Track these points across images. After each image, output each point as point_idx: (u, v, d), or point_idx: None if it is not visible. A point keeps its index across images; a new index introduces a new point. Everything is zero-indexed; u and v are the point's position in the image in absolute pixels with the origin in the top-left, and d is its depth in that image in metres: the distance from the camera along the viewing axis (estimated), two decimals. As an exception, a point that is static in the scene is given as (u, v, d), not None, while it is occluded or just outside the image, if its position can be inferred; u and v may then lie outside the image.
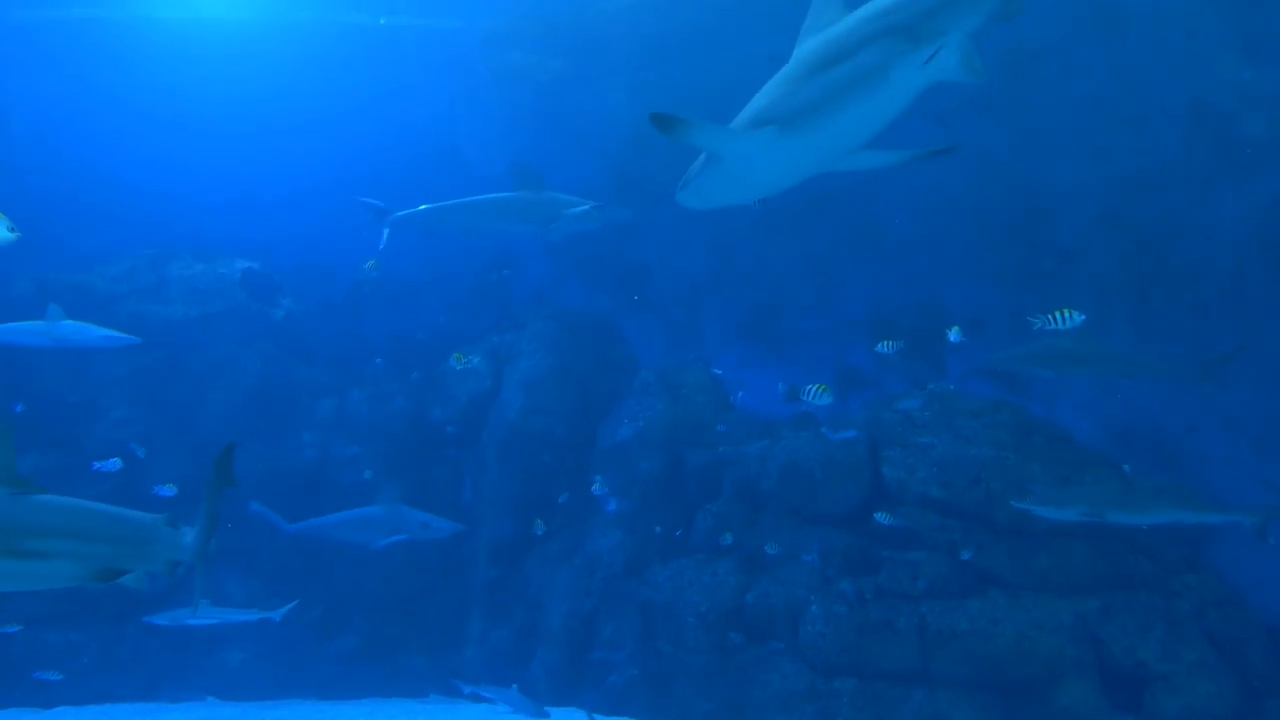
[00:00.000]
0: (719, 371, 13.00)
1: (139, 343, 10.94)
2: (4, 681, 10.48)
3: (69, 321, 10.64)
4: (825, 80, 4.40)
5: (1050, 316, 7.68)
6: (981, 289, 12.26)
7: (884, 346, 9.65)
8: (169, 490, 10.56)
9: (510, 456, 12.16)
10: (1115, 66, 11.47)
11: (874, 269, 13.27)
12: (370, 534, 10.90)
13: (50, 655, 10.78)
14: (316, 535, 11.27)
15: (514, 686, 10.35)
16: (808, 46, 4.73)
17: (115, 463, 10.64)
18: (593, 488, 11.16)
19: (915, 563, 9.79)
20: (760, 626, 10.09)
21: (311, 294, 14.37)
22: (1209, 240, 11.31)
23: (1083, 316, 7.62)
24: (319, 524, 11.13)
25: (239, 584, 11.78)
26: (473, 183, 14.48)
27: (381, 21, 14.48)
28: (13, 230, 5.00)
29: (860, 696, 9.30)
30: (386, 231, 11.66)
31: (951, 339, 8.74)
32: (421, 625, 11.87)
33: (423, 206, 11.56)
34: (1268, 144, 10.77)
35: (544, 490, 11.83)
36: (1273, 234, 10.75)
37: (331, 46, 14.40)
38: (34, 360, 11.69)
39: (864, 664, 9.44)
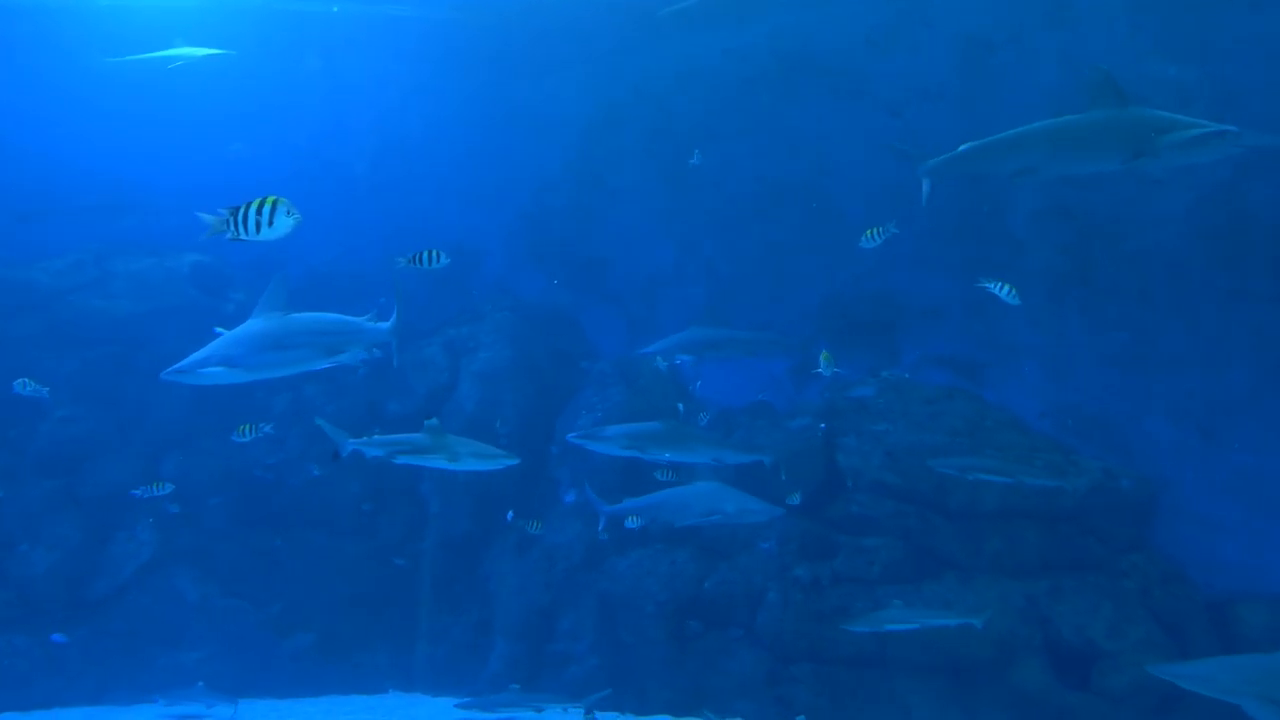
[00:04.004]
0: (678, 361, 13.00)
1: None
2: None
3: None
4: (275, 356, 7.83)
5: None
6: (935, 279, 12.41)
7: (661, 362, 11.33)
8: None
9: (468, 449, 12.06)
10: (1065, 58, 11.66)
11: (829, 259, 13.37)
12: (688, 513, 9.90)
13: (-5, 660, 10.55)
14: (635, 515, 10.27)
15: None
16: (264, 325, 8.00)
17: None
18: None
19: (871, 549, 9.93)
20: (719, 614, 10.17)
21: (265, 287, 14.09)
22: (1155, 229, 11.57)
23: None
24: (637, 504, 10.19)
25: (195, 584, 11.61)
26: (426, 172, 14.36)
27: (335, 9, 14.23)
28: (290, 214, 4.78)
29: (818, 681, 9.43)
30: (926, 183, 9.60)
31: (1007, 300, 8.51)
32: (380, 621, 11.76)
33: (964, 146, 9.18)
34: None
35: (501, 483, 11.77)
36: (1208, 224, 11.04)
37: (282, 33, 14.12)
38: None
39: (821, 649, 9.56)
